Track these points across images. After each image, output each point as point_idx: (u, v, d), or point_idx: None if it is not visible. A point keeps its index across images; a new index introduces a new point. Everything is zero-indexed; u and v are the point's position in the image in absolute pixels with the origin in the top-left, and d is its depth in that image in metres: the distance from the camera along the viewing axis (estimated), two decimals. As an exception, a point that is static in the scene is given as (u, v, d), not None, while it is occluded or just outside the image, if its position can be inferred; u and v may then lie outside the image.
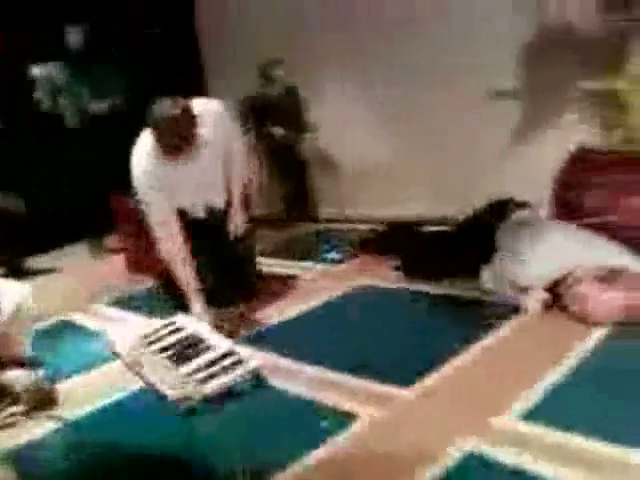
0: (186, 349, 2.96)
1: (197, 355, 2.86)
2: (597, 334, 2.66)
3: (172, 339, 3.11)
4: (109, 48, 5.53)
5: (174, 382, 2.67)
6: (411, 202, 4.89)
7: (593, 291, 2.79)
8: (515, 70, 4.37)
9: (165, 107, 3.10)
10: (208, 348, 2.91)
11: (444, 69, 4.61)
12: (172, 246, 3.31)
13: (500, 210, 3.73)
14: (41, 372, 2.83)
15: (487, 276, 3.29)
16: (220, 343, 2.94)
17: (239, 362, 2.71)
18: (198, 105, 3.25)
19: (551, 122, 4.25)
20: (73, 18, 5.37)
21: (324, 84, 5.61)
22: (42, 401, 2.73)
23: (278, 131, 5.56)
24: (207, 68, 6.79)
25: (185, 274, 3.34)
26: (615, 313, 2.73)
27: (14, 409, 2.73)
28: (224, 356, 2.78)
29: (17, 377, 2.81)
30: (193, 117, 3.15)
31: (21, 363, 2.97)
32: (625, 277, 2.85)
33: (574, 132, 3.97)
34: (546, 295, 3.00)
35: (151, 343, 3.12)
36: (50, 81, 5.29)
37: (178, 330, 3.18)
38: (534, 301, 3.00)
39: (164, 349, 3.03)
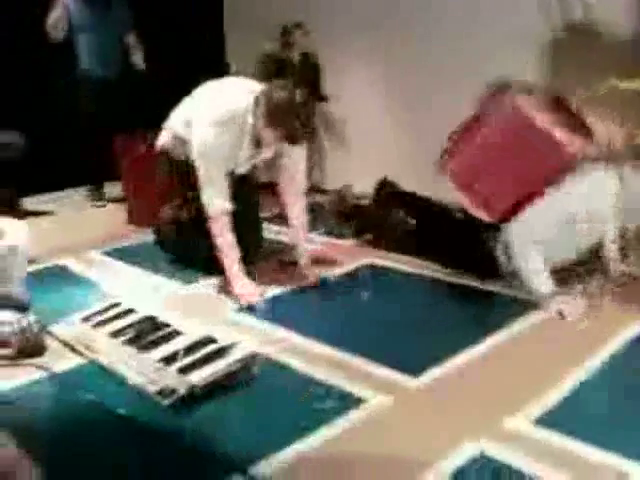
0: (147, 334, 2.63)
1: (163, 341, 2.54)
2: (621, 337, 2.57)
3: (125, 321, 2.76)
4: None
5: (146, 371, 2.36)
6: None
7: None
8: (537, 68, 4.19)
9: (292, 92, 2.97)
10: (175, 333, 2.60)
11: (465, 57, 4.47)
12: (223, 219, 3.11)
13: None
14: (32, 317, 2.69)
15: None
16: (189, 327, 2.66)
17: (225, 349, 2.43)
18: None
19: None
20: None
21: (344, 55, 5.47)
22: (31, 347, 2.61)
23: None
24: (227, 25, 6.63)
25: (233, 252, 3.14)
26: None
27: (2, 352, 2.60)
28: (202, 343, 2.49)
29: (7, 320, 2.69)
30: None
31: (12, 306, 2.86)
32: None
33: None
34: (584, 303, 2.89)
35: (96, 326, 2.77)
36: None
37: (129, 312, 2.86)
38: (574, 308, 2.84)
39: (115, 333, 2.68)
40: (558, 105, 3.04)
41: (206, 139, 3.07)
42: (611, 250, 3.15)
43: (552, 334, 2.68)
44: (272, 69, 5.53)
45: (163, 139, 3.50)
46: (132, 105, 5.10)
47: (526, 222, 2.98)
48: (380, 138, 5.29)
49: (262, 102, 3.00)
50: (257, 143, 3.15)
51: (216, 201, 3.09)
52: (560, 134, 2.89)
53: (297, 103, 2.96)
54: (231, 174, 3.20)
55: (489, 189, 3.05)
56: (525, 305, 2.92)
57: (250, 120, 3.06)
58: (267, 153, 3.28)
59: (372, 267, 3.57)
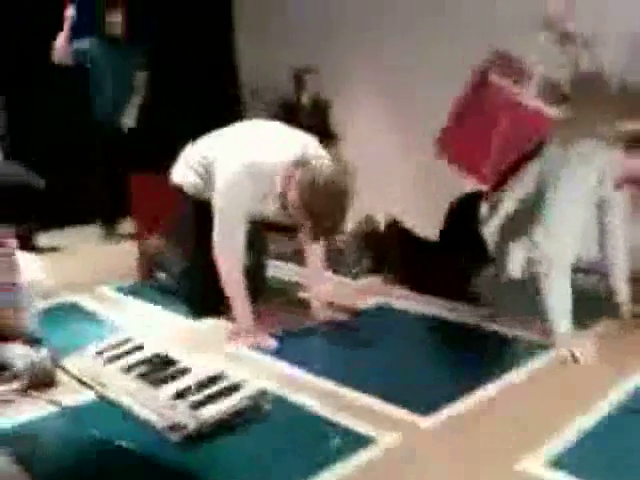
0: (157, 370, 2.65)
1: (173, 378, 2.55)
2: (633, 381, 2.55)
3: (136, 357, 2.78)
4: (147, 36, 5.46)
5: (157, 406, 2.36)
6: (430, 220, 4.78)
7: None
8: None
9: (330, 197, 2.73)
10: (185, 370, 2.62)
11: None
12: (234, 263, 3.01)
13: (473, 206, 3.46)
14: (44, 351, 2.71)
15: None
16: (199, 363, 2.67)
17: (235, 386, 2.44)
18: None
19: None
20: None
21: (354, 96, 5.56)
22: (42, 381, 2.62)
23: None
24: (242, 67, 6.75)
25: (243, 301, 3.06)
26: None
27: (13, 385, 2.61)
28: (211, 379, 2.50)
29: (20, 353, 2.71)
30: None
31: (24, 339, 2.87)
32: None
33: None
34: (595, 344, 2.86)
35: (107, 361, 2.79)
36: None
37: (139, 347, 2.88)
38: (587, 351, 2.80)
39: (127, 369, 2.70)
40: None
41: (233, 182, 2.94)
42: (622, 291, 3.15)
43: (563, 376, 2.67)
44: (282, 110, 5.67)
45: (179, 174, 3.41)
46: (147, 145, 5.17)
47: (558, 239, 2.85)
48: (390, 177, 5.32)
49: (301, 183, 2.79)
50: (283, 206, 2.96)
51: (228, 242, 3.00)
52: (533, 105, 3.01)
53: (332, 210, 2.75)
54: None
55: (476, 155, 3.09)
56: (536, 346, 2.91)
57: (278, 186, 2.91)
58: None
59: (384, 307, 3.57)
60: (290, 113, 5.63)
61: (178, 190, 3.39)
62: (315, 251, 3.35)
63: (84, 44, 5.20)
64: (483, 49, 3.39)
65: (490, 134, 3.01)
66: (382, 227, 4.33)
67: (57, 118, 5.32)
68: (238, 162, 2.94)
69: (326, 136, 5.64)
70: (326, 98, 5.70)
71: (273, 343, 3.02)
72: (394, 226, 4.16)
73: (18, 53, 5.10)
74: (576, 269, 3.25)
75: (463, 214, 3.53)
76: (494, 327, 3.18)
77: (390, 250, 4.09)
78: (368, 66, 5.47)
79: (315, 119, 5.65)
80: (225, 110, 5.87)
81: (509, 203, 3.20)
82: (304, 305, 3.47)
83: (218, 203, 3.00)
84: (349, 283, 4.06)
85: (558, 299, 2.83)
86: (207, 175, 3.16)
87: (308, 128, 5.43)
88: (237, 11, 6.74)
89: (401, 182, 5.29)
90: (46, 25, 5.07)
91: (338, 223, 2.82)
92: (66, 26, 5.06)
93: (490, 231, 3.28)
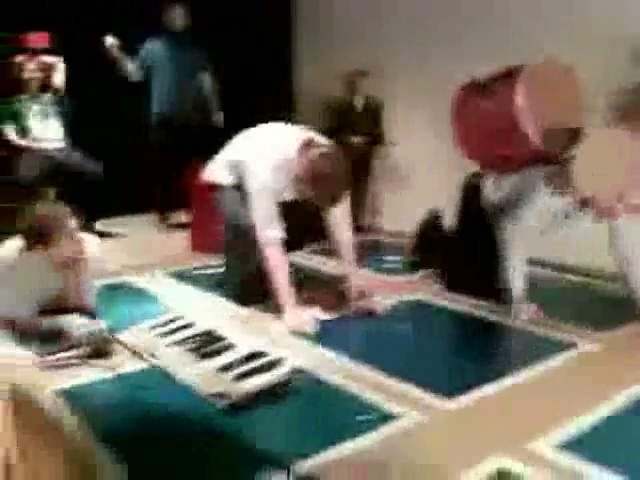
0: (205, 345, 2.89)
1: (219, 352, 2.80)
2: None
3: (185, 334, 3.03)
4: (206, 33, 5.70)
5: (202, 376, 2.60)
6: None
7: None
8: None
9: (335, 162, 3.21)
10: (230, 346, 2.86)
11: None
12: (277, 248, 3.33)
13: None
14: (102, 323, 2.97)
15: None
16: (244, 342, 2.91)
17: (275, 362, 2.67)
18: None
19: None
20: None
21: (405, 100, 5.71)
22: (99, 350, 2.87)
23: (355, 140, 5.68)
24: (295, 68, 6.97)
25: (285, 278, 3.35)
26: None
27: (73, 353, 2.86)
28: (254, 356, 2.75)
29: (80, 324, 2.96)
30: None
31: (83, 312, 3.13)
32: None
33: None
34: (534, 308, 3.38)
35: (159, 336, 3.05)
36: (149, 53, 5.50)
37: (189, 325, 3.14)
38: (532, 309, 3.37)
39: (178, 343, 2.95)
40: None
41: (263, 179, 3.33)
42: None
43: (583, 372, 2.82)
44: (336, 112, 5.83)
45: (214, 173, 3.71)
46: (203, 137, 5.41)
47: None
48: (437, 181, 5.44)
49: (305, 157, 3.24)
50: (298, 186, 3.34)
51: (269, 232, 3.32)
52: (531, 126, 3.35)
53: (336, 174, 3.19)
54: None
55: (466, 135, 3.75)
56: (560, 344, 3.07)
57: (292, 169, 3.29)
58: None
59: (421, 303, 3.76)
60: (343, 116, 5.80)
61: (213, 187, 3.70)
62: (347, 248, 3.61)
63: (146, 48, 5.50)
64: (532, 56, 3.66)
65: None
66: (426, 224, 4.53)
67: (119, 111, 5.56)
68: (264, 162, 3.35)
69: (378, 140, 5.83)
70: (379, 102, 5.82)
71: (313, 324, 3.26)
72: (431, 222, 4.34)
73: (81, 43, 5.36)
74: (600, 275, 3.47)
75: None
76: (525, 326, 3.34)
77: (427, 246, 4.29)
78: (419, 70, 5.58)
79: (368, 123, 5.79)
80: (278, 110, 6.05)
81: (504, 187, 3.65)
82: (342, 296, 3.65)
83: (254, 201, 3.36)
84: (393, 278, 4.29)
85: (515, 265, 3.38)
86: (238, 173, 3.51)
87: (361, 131, 5.68)
88: (297, 12, 6.94)
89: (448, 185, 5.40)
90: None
91: (341, 190, 3.26)
92: (115, 55, 5.33)
93: (489, 200, 3.72)
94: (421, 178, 5.64)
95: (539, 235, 3.46)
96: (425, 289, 3.98)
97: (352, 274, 3.64)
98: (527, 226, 3.38)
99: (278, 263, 3.33)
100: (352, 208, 5.67)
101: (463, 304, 3.67)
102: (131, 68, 5.42)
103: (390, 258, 4.76)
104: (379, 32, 5.89)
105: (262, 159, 3.38)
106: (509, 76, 3.49)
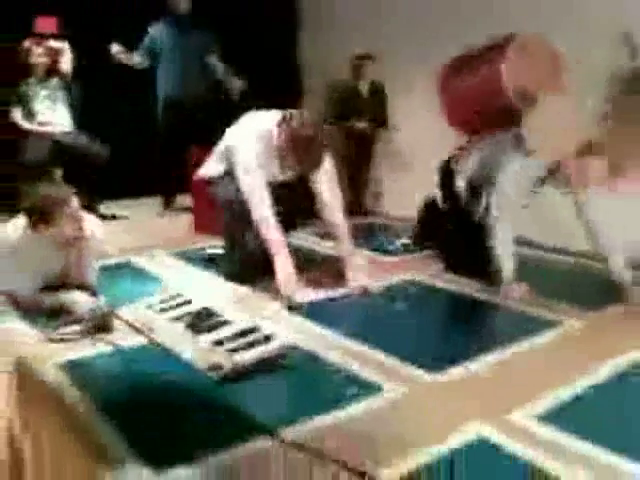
0: (201, 321, 3.00)
1: (215, 328, 2.90)
2: (633, 356, 2.77)
3: (183, 310, 3.14)
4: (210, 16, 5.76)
5: (199, 350, 2.70)
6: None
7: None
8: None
9: (309, 126, 3.41)
10: (226, 322, 2.96)
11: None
12: (266, 208, 3.49)
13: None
14: (103, 299, 3.07)
15: None
16: (239, 318, 3.00)
17: (267, 338, 2.77)
18: None
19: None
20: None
21: (411, 83, 5.74)
22: (100, 325, 2.97)
23: (360, 124, 5.75)
24: (301, 51, 7.03)
25: (279, 235, 3.51)
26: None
27: (75, 328, 2.97)
28: (248, 331, 2.84)
29: (82, 301, 3.08)
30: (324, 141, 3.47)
31: (86, 289, 3.25)
32: None
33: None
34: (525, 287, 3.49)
35: (158, 312, 3.15)
36: (154, 39, 5.58)
37: (187, 302, 3.24)
38: (522, 288, 3.47)
39: (176, 319, 3.05)
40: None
41: (249, 158, 3.52)
42: (624, 276, 3.43)
43: (566, 349, 2.90)
44: (341, 97, 5.89)
45: (209, 169, 3.90)
46: (208, 122, 5.47)
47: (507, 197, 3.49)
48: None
49: (283, 129, 3.44)
50: (282, 157, 3.53)
51: (263, 208, 3.48)
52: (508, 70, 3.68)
53: (311, 135, 3.39)
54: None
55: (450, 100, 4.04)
56: (546, 322, 3.16)
57: (273, 142, 3.49)
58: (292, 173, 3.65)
59: (412, 282, 3.84)
60: (348, 100, 5.86)
61: (209, 182, 3.89)
62: (340, 229, 3.73)
63: (151, 33, 5.58)
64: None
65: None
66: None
67: (126, 95, 5.66)
68: (246, 140, 3.58)
69: (383, 123, 5.89)
70: (384, 85, 5.87)
71: (312, 295, 3.47)
72: (429, 207, 4.43)
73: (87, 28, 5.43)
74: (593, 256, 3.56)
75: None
76: (508, 303, 3.45)
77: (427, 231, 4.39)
78: (425, 55, 5.60)
79: (373, 106, 5.84)
80: (284, 92, 6.08)
81: (472, 164, 3.84)
82: (339, 275, 3.75)
83: (244, 179, 3.53)
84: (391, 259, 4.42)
85: (504, 246, 3.47)
86: (227, 160, 3.69)
87: (366, 115, 5.74)
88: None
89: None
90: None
91: (320, 151, 3.46)
92: (124, 59, 5.45)
93: (459, 184, 3.89)
94: (422, 162, 5.67)
95: (521, 209, 3.56)
96: (421, 269, 4.06)
97: (348, 254, 3.74)
98: (509, 202, 3.48)
99: (274, 233, 3.49)
100: (355, 192, 5.89)
101: (456, 284, 3.76)
102: (136, 59, 5.52)
103: (390, 240, 4.83)
104: (381, 17, 5.93)
105: (246, 141, 3.58)
106: (500, 46, 3.77)
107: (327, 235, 4.02)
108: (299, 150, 3.40)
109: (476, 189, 3.75)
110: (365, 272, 3.72)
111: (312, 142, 3.40)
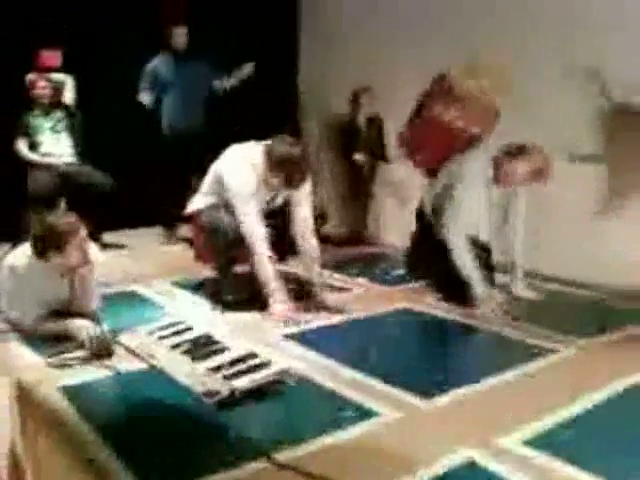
0: (200, 348, 3.06)
1: (213, 354, 2.96)
2: (633, 378, 2.88)
3: (183, 337, 3.20)
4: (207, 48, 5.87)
5: (197, 376, 2.76)
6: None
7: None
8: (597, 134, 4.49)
9: (291, 145, 3.63)
10: (224, 349, 3.03)
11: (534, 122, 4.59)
12: (261, 242, 3.65)
13: None
14: (105, 326, 3.15)
15: None
16: (237, 345, 3.08)
17: (264, 364, 2.82)
18: None
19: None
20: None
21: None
22: (102, 351, 3.04)
23: (360, 158, 5.87)
24: (300, 85, 7.14)
25: (270, 270, 3.67)
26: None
27: (77, 354, 3.05)
28: (245, 358, 2.90)
29: (84, 326, 3.16)
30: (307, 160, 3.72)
31: (89, 316, 3.33)
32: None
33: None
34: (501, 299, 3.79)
35: (158, 339, 3.21)
36: (153, 73, 5.71)
37: (187, 329, 3.31)
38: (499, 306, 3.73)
39: (175, 346, 3.11)
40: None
41: (237, 181, 3.70)
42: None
43: (558, 375, 2.98)
44: (339, 130, 6.01)
45: (197, 202, 4.06)
46: (208, 153, 5.56)
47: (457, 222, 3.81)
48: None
49: (266, 153, 3.63)
50: (267, 183, 3.70)
51: (254, 229, 3.65)
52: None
53: (294, 154, 3.59)
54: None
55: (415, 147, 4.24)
56: (539, 350, 3.23)
57: (260, 170, 3.66)
58: (279, 198, 3.88)
59: (406, 311, 3.92)
60: (346, 133, 5.99)
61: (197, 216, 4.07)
62: (316, 252, 3.90)
63: (150, 69, 5.73)
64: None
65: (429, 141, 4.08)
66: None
67: (130, 127, 5.71)
68: (236, 169, 3.75)
69: (382, 156, 5.98)
70: (382, 118, 5.94)
71: (304, 317, 3.65)
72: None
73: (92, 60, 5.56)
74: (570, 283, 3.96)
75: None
76: (501, 331, 3.53)
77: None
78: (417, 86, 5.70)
79: (371, 139, 5.93)
80: (282, 124, 6.15)
81: (434, 190, 4.12)
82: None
83: (236, 205, 3.70)
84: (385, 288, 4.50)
85: (470, 269, 3.76)
86: (219, 188, 3.84)
87: (364, 148, 5.83)
88: (302, 26, 7.11)
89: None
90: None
91: (305, 170, 3.67)
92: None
93: (427, 208, 4.17)
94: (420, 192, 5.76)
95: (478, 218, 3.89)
96: (415, 298, 4.13)
97: (318, 278, 3.92)
98: (465, 215, 3.81)
99: (263, 256, 3.66)
100: (355, 222, 5.97)
101: (450, 312, 3.84)
102: (146, 99, 5.68)
103: (387, 270, 4.93)
104: (379, 49, 6.02)
105: (238, 171, 3.74)
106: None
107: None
108: (283, 168, 3.58)
109: (437, 211, 4.01)
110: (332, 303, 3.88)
111: (295, 159, 3.59)
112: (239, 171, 3.72)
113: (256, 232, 3.66)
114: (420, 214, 4.26)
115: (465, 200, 3.82)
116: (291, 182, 3.64)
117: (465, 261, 3.76)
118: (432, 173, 4.20)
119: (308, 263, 3.91)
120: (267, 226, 3.71)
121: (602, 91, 4.27)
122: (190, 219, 5.11)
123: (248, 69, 5.79)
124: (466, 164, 3.89)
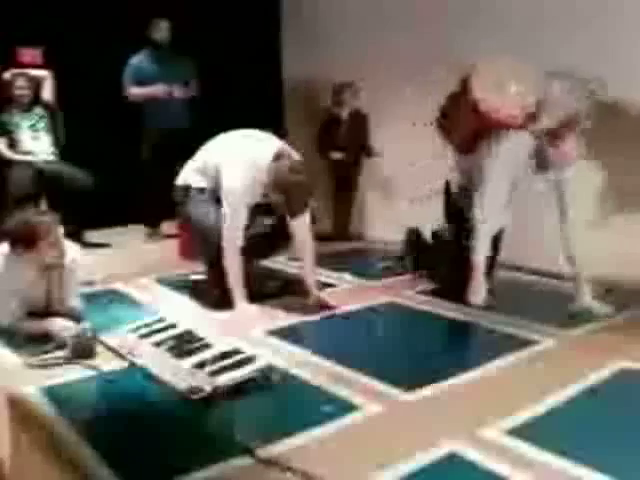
0: (183, 345, 3.05)
1: (197, 351, 2.95)
2: (611, 368, 2.89)
3: (165, 335, 3.19)
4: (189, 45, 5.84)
5: (180, 374, 2.75)
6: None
7: None
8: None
9: (298, 173, 3.60)
10: (208, 346, 3.02)
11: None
12: (235, 250, 3.68)
13: None
14: (87, 325, 3.13)
15: None
16: (221, 341, 3.06)
17: (248, 360, 2.81)
18: None
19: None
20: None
21: (392, 110, 5.84)
22: (84, 350, 3.02)
23: (335, 155, 5.90)
24: (285, 83, 7.13)
25: (238, 271, 3.71)
26: None
27: (59, 353, 3.03)
28: (229, 354, 2.88)
29: (66, 326, 3.14)
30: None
31: (70, 316, 3.30)
32: None
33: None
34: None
35: (143, 337, 3.20)
36: (138, 69, 5.67)
37: (171, 327, 3.29)
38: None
39: (158, 343, 3.11)
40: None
41: (235, 180, 3.68)
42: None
43: (539, 365, 3.00)
44: (323, 125, 6.00)
45: (187, 176, 4.00)
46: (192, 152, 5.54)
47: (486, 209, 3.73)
48: (419, 189, 5.53)
49: (274, 173, 3.61)
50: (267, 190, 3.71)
51: (233, 233, 3.66)
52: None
53: (300, 182, 3.58)
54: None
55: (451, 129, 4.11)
56: (521, 342, 3.24)
57: (265, 177, 3.65)
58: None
59: (390, 304, 3.94)
60: (329, 127, 5.98)
61: (185, 189, 3.98)
62: (309, 259, 3.95)
63: (133, 64, 5.67)
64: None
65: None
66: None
67: (111, 124, 5.69)
68: (237, 165, 3.71)
69: (364, 150, 5.98)
70: (365, 114, 5.96)
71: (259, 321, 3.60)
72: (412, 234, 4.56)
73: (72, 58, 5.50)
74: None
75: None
76: (484, 323, 3.54)
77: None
78: (407, 82, 5.69)
79: (354, 134, 5.94)
80: (267, 119, 6.12)
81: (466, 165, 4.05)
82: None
83: (227, 201, 3.70)
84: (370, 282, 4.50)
85: (478, 256, 3.72)
86: (213, 174, 3.81)
87: (347, 142, 5.83)
88: (285, 23, 7.09)
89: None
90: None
91: (307, 198, 3.71)
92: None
93: (455, 192, 4.18)
94: (405, 188, 5.76)
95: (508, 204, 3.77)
96: (399, 292, 4.15)
97: (312, 285, 3.92)
98: (496, 203, 3.72)
99: (233, 263, 3.69)
100: (339, 217, 5.97)
101: (434, 305, 3.86)
102: (135, 92, 5.64)
103: (372, 264, 4.96)
104: (362, 44, 6.01)
105: (236, 166, 3.71)
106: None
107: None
108: (287, 195, 3.58)
109: (468, 191, 3.94)
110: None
111: (300, 188, 3.60)
112: (240, 172, 3.69)
113: (233, 238, 3.67)
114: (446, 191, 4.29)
115: (495, 180, 3.72)
116: (292, 209, 3.69)
117: (480, 247, 3.74)
118: (467, 150, 4.09)
119: (305, 268, 3.95)
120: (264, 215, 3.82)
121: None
122: (175, 216, 5.13)
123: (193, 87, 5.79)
124: (501, 145, 3.75)
